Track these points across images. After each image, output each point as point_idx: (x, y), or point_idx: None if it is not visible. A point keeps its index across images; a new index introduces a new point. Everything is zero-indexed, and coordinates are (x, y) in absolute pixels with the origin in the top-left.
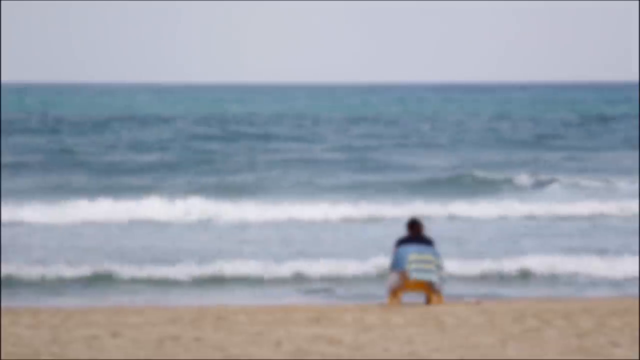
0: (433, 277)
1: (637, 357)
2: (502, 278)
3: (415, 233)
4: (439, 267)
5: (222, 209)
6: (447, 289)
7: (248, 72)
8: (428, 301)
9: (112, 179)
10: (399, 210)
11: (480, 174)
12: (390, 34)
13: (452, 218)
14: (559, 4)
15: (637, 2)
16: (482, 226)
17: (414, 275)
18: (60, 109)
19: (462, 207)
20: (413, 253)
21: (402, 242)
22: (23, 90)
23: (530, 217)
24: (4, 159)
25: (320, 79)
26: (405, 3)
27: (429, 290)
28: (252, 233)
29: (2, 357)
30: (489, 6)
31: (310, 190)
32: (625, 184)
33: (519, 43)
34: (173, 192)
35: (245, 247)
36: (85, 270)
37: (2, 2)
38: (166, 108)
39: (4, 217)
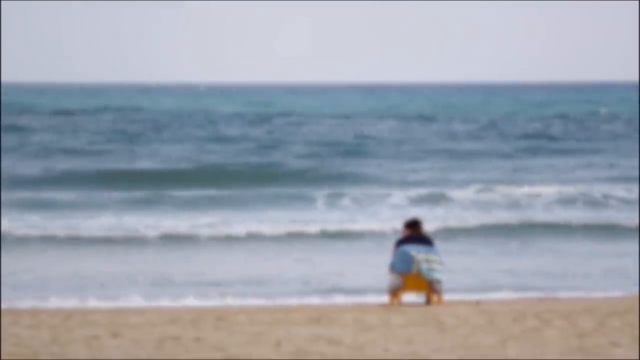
0: (442, 276)
1: (637, 357)
2: None
3: (415, 232)
4: (443, 267)
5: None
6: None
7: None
8: (428, 301)
9: None
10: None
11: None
12: (395, 34)
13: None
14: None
15: (637, 2)
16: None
17: (426, 274)
18: None
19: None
20: (417, 252)
21: (402, 241)
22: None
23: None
24: None
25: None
26: (412, 3)
27: (429, 290)
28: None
29: (2, 357)
30: (491, 6)
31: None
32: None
33: (518, 43)
34: None
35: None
36: None
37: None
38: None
39: None
